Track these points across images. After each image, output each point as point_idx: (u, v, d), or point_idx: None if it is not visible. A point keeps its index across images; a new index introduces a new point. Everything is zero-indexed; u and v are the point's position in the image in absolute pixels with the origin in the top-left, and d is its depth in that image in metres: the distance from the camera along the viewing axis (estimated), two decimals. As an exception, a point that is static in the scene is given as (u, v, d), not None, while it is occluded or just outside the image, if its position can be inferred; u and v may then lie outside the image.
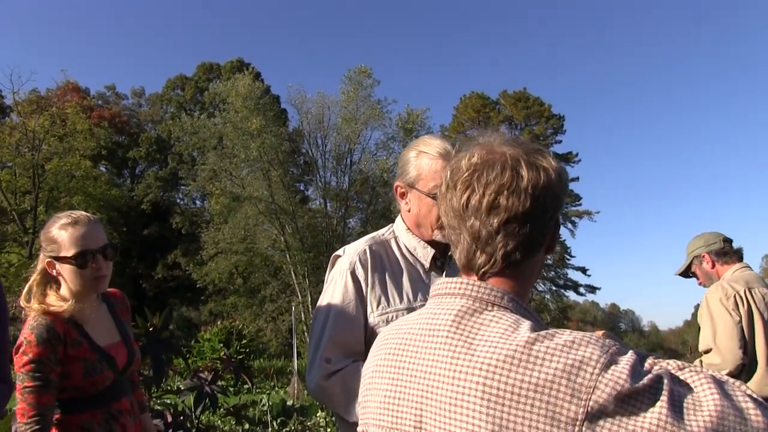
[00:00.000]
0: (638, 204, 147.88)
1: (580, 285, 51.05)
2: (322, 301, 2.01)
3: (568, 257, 51.02)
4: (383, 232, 2.11)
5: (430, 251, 2.03)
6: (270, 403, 10.87)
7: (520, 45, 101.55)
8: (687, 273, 3.34)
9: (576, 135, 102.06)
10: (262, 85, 32.00)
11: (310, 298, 30.02)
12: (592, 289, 52.19)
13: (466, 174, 1.10)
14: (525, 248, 1.08)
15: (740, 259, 3.23)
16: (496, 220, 1.06)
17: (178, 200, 43.89)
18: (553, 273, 50.99)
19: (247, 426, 8.80)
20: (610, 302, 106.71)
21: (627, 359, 0.93)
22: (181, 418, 3.75)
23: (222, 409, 5.83)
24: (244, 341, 23.57)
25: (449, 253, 2.01)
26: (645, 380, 0.90)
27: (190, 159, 34.33)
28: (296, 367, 17.81)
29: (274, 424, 9.43)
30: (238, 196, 28.99)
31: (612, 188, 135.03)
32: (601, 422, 0.89)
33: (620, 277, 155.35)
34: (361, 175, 30.95)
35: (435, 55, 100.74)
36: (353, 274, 1.97)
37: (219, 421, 8.14)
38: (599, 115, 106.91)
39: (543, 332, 0.97)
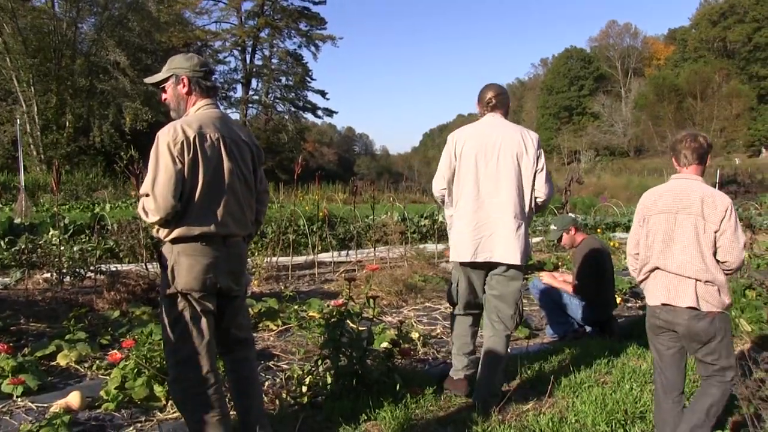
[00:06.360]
0: (381, 33, 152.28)
1: (319, 108, 52.78)
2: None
3: (308, 80, 51.99)
4: None
5: None
6: (-4, 222, 10.45)
7: None
8: (161, 85, 3.10)
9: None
10: None
11: (36, 108, 27.66)
12: (330, 113, 54.17)
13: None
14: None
15: (212, 94, 3.09)
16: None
17: None
18: (293, 95, 51.87)
19: (-28, 246, 8.48)
20: (346, 125, 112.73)
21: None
22: None
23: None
24: (-41, 153, 21.44)
25: None
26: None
27: None
28: (23, 183, 16.86)
29: (2, 243, 9.20)
30: (-60, -16, 24.74)
31: (358, 15, 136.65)
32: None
33: (357, 102, 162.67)
34: (96, -25, 28.05)
35: None
36: None
37: (-61, 244, 7.61)
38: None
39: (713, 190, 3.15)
